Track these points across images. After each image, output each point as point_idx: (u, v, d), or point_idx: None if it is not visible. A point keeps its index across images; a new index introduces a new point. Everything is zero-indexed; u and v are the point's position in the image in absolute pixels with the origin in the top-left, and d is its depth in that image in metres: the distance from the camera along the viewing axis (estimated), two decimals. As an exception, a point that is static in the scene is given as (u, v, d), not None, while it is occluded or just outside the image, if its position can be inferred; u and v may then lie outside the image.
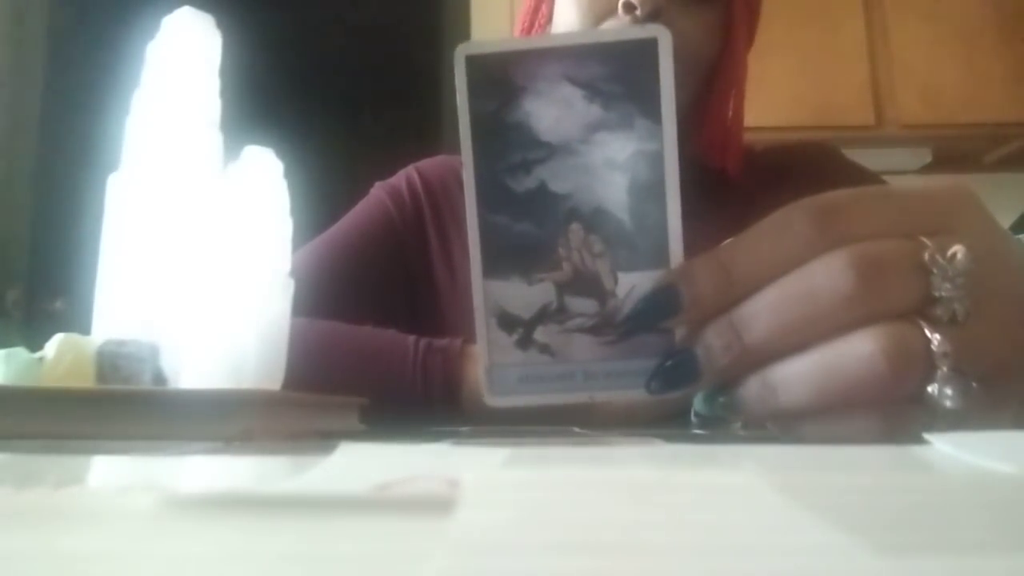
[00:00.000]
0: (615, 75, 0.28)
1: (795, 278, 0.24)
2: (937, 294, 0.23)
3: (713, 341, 0.25)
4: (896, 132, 2.01)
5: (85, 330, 0.41)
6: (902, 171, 2.07)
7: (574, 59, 0.28)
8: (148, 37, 0.45)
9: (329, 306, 0.62)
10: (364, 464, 0.25)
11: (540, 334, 0.29)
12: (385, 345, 0.58)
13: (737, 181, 0.69)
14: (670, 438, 0.36)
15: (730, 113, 0.68)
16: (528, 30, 0.72)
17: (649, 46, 0.27)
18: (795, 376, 0.25)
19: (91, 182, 0.48)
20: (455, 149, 0.31)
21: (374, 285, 0.69)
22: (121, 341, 0.39)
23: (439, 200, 0.74)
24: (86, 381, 0.38)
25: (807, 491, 0.16)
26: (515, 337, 0.29)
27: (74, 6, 2.19)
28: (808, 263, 0.24)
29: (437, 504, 0.15)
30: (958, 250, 0.23)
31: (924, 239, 0.24)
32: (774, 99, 1.93)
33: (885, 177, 0.75)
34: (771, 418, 0.27)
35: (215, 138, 0.46)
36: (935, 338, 0.23)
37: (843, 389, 0.24)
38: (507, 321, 0.29)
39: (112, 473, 0.26)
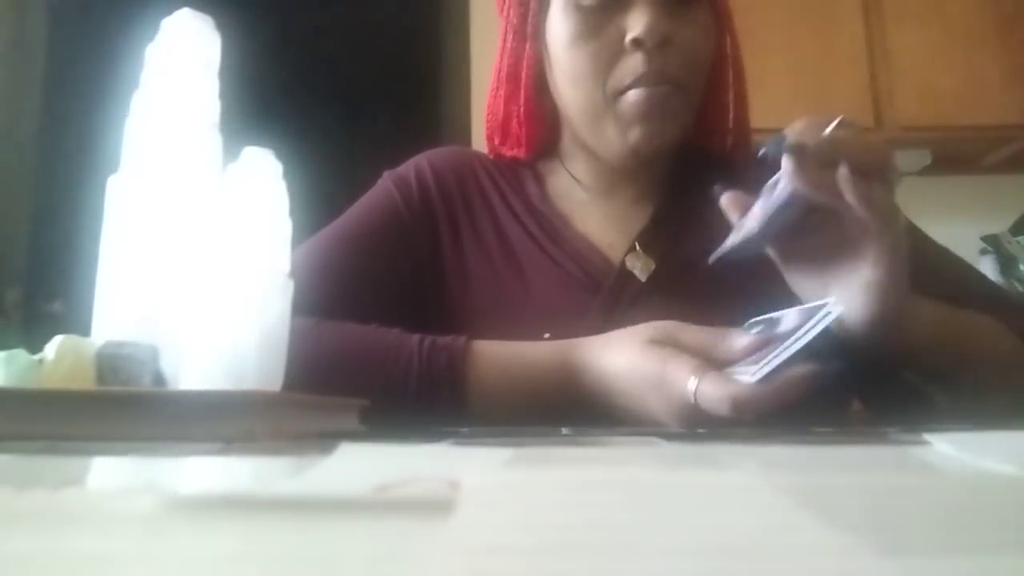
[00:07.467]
0: None
1: None
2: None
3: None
4: (895, 134, 2.01)
5: (84, 331, 0.41)
6: (902, 173, 2.07)
7: None
8: (148, 39, 0.45)
9: (334, 296, 0.62)
10: (364, 465, 0.25)
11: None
12: (390, 347, 0.57)
13: (738, 168, 0.69)
14: (670, 438, 0.36)
15: (732, 97, 0.70)
16: (512, 71, 0.71)
17: None
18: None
19: (91, 183, 0.48)
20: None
21: (379, 275, 0.69)
22: (121, 343, 0.39)
23: (451, 190, 0.73)
24: (86, 383, 0.38)
25: (807, 491, 0.16)
26: None
27: (74, 7, 2.19)
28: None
29: (437, 504, 0.15)
30: None
31: None
32: (773, 101, 1.91)
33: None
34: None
35: (214, 139, 0.46)
36: None
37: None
38: None
39: (112, 474, 0.26)
